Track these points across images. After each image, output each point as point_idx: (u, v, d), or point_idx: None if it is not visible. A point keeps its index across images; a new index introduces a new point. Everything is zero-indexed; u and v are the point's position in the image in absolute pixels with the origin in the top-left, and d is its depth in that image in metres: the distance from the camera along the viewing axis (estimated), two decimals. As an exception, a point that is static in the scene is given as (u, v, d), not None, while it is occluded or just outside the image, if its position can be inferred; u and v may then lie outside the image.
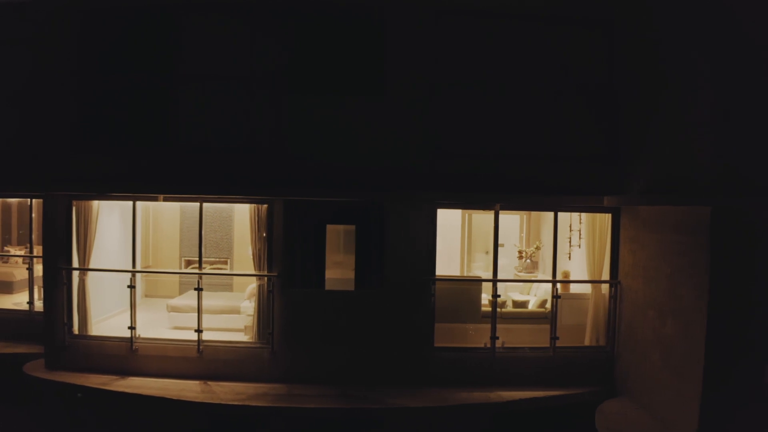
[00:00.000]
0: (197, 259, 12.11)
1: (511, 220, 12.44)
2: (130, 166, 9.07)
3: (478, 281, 9.96)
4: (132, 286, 9.26)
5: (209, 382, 9.01)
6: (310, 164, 8.94)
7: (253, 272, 9.22)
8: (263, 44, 8.95)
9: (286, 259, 8.99)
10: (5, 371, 9.96)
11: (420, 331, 9.09)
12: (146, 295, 12.41)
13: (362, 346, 9.09)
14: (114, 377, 9.10)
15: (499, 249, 9.58)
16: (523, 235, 12.62)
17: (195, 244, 12.35)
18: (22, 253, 13.94)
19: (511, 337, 9.33)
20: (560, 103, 8.97)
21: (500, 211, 9.23)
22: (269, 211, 9.02)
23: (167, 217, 12.81)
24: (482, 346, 9.19)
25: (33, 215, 11.03)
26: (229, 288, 12.06)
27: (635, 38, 8.72)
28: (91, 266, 9.42)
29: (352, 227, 9.16)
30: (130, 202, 9.48)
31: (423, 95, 8.99)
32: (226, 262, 12.63)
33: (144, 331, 9.45)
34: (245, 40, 8.98)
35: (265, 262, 9.07)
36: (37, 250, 14.30)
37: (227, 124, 9.03)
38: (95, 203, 9.40)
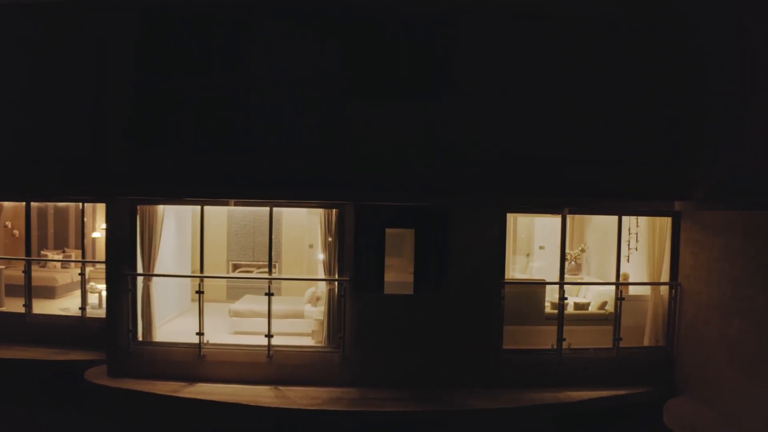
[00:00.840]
0: (245, 263, 12.15)
1: (552, 223, 12.62)
2: (199, 170, 9.00)
3: (545, 284, 10.11)
4: (200, 292, 9.19)
5: (280, 387, 9.00)
6: (379, 168, 8.97)
7: (325, 277, 9.23)
8: (331, 48, 8.96)
9: (357, 264, 9.01)
10: (62, 378, 9.79)
11: (489, 333, 9.21)
12: (194, 300, 12.26)
13: (431, 349, 9.17)
14: (182, 384, 9.01)
15: (542, 252, 9.76)
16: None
17: (242, 248, 12.37)
18: (59, 257, 13.71)
19: (571, 338, 9.51)
20: (626, 109, 9.17)
21: (541, 215, 9.37)
22: (340, 216, 9.05)
23: (212, 221, 12.71)
24: (549, 347, 9.34)
25: (85, 219, 10.83)
26: (277, 292, 12.01)
27: (699, 45, 8.97)
28: (155, 272, 9.29)
29: (419, 231, 9.20)
30: (185, 207, 9.37)
31: (491, 99, 9.09)
32: (274, 266, 12.55)
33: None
34: (313, 45, 8.97)
35: (336, 266, 9.08)
36: (76, 254, 14.15)
37: (296, 129, 9.01)
38: (160, 208, 9.30)
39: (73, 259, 13.83)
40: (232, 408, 8.46)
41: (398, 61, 9.03)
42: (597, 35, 9.10)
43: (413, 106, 9.00)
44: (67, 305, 11.86)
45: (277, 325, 9.82)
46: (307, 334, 9.82)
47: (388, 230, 9.20)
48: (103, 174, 9.10)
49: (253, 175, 8.95)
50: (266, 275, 11.69)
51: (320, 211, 9.19)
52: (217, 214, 12.55)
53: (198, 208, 9.36)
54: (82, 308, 10.64)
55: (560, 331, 9.34)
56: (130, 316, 9.20)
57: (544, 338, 9.52)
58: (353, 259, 9.05)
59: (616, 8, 9.02)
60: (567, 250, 12.36)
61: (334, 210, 9.08)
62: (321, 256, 9.47)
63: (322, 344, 9.30)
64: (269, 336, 9.06)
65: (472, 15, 9.01)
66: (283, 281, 12.29)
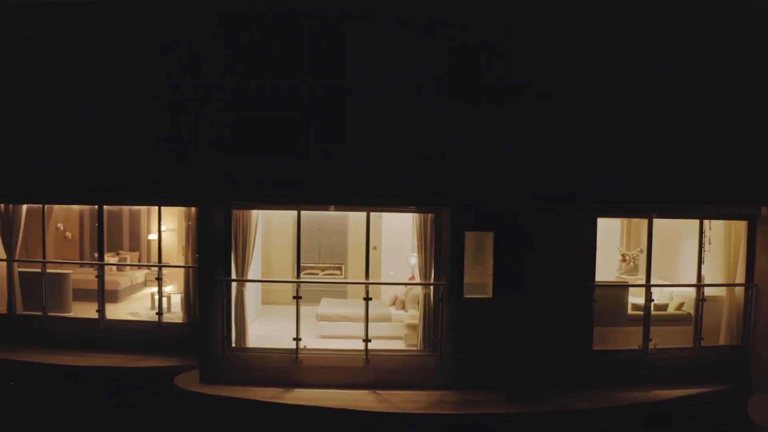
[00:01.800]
0: (310, 265, 12.13)
1: (610, 225, 12.93)
2: (293, 174, 8.98)
3: (634, 286, 10.37)
4: (298, 297, 9.15)
5: (378, 391, 9.04)
6: (474, 172, 9.08)
7: (421, 281, 9.30)
8: (428, 52, 9.01)
9: (453, 268, 9.10)
10: (146, 386, 9.67)
11: (579, 335, 9.41)
12: (264, 303, 12.21)
13: (522, 351, 9.32)
14: (279, 390, 9.00)
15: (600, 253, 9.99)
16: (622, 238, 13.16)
17: (308, 251, 12.34)
18: (115, 259, 13.42)
19: (652, 338, 9.78)
20: (705, 117, 9.46)
21: (601, 217, 9.65)
22: (436, 221, 9.13)
23: (278, 224, 12.65)
24: (636, 348, 9.61)
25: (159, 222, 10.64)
26: (342, 295, 12.03)
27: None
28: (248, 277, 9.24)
29: (498, 234, 9.33)
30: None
31: (581, 106, 9.26)
32: (339, 268, 12.57)
33: (280, 341, 9.39)
34: (412, 48, 9.01)
35: (432, 270, 9.16)
36: (131, 256, 13.87)
37: (394, 133, 9.05)
38: (254, 212, 9.22)
39: (128, 262, 13.60)
40: (338, 414, 8.47)
41: (494, 66, 9.13)
42: (677, 44, 9.34)
43: (508, 111, 9.13)
44: (131, 309, 11.66)
45: (354, 329, 9.89)
46: (397, 338, 9.87)
47: (474, 233, 9.25)
48: (196, 178, 8.98)
49: (351, 180, 8.95)
50: (340, 278, 11.74)
51: (415, 215, 9.24)
52: (284, 217, 12.47)
53: (291, 213, 9.32)
54: (159, 313, 10.51)
55: (646, 332, 9.61)
56: (224, 322, 9.11)
57: (627, 339, 9.78)
58: (449, 264, 9.13)
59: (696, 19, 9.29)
60: (624, 251, 12.73)
61: (429, 214, 9.14)
62: (413, 260, 9.52)
63: (417, 348, 9.36)
64: (366, 340, 9.09)
65: (566, 22, 9.16)
66: (348, 285, 12.28)
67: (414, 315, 9.79)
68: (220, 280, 9.08)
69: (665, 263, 11.66)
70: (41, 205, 10.88)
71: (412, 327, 9.60)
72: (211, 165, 9.05)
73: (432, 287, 9.22)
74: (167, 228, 13.87)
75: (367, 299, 9.15)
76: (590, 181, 9.27)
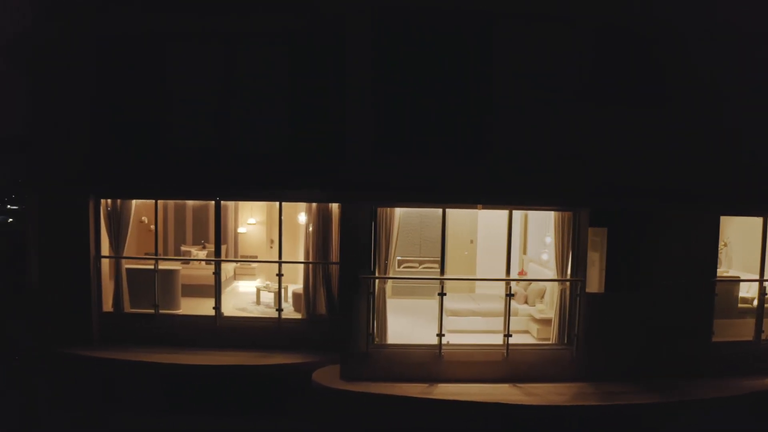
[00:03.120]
0: (411, 258, 12.30)
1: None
2: (440, 173, 9.13)
3: (752, 281, 10.80)
4: (443, 294, 9.33)
5: (519, 385, 9.33)
6: (608, 172, 9.36)
7: (557, 277, 9.58)
8: (569, 58, 9.23)
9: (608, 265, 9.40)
10: (269, 383, 9.74)
11: (701, 327, 9.84)
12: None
13: (648, 343, 9.70)
14: (423, 385, 9.19)
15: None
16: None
17: (410, 244, 12.49)
18: (203, 254, 13.33)
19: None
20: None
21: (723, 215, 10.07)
22: (574, 219, 9.40)
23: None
24: (750, 339, 10.10)
25: (281, 218, 10.61)
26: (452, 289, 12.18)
27: None
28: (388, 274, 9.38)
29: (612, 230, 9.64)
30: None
31: (704, 109, 9.62)
32: (437, 262, 12.70)
33: (406, 336, 9.62)
34: (554, 54, 9.22)
35: (568, 266, 9.45)
36: (193, 250, 13.71)
37: (534, 134, 9.26)
38: (397, 210, 9.34)
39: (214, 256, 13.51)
40: (493, 408, 8.71)
41: (627, 71, 9.40)
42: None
43: (640, 114, 9.42)
44: (234, 305, 11.64)
45: (488, 324, 10.13)
46: (523, 332, 10.13)
47: (607, 231, 9.50)
48: (342, 176, 9.07)
49: (495, 180, 9.14)
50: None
51: (554, 214, 9.49)
52: (407, 214, 12.53)
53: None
54: (279, 309, 10.54)
55: (760, 323, 10.11)
56: (368, 319, 9.24)
57: (736, 330, 10.26)
58: (585, 260, 9.43)
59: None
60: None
61: (567, 213, 9.41)
62: (545, 256, 9.79)
63: (549, 341, 9.66)
64: (507, 335, 9.36)
65: (695, 31, 9.45)
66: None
67: (542, 309, 10.08)
68: (366, 278, 9.18)
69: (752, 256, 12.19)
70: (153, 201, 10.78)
71: (542, 321, 9.89)
72: (359, 164, 9.12)
73: (568, 283, 9.49)
74: (257, 221, 13.88)
75: (509, 296, 9.40)
76: (711, 181, 9.61)
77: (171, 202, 13.31)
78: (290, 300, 11.39)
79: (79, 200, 10.56)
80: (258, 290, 11.89)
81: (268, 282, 11.93)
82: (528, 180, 9.21)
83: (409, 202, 9.30)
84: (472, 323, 10.12)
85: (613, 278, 9.68)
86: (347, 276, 9.27)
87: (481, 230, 12.63)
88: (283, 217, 10.37)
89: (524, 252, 12.66)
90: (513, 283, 11.32)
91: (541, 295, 10.59)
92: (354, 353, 9.31)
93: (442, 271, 9.49)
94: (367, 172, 9.13)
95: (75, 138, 10.37)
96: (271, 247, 14.30)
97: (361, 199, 9.10)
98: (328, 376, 9.43)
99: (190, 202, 13.67)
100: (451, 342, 9.44)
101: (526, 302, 10.57)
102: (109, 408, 10.44)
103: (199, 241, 13.93)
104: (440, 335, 9.32)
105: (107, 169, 10.38)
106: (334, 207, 10.42)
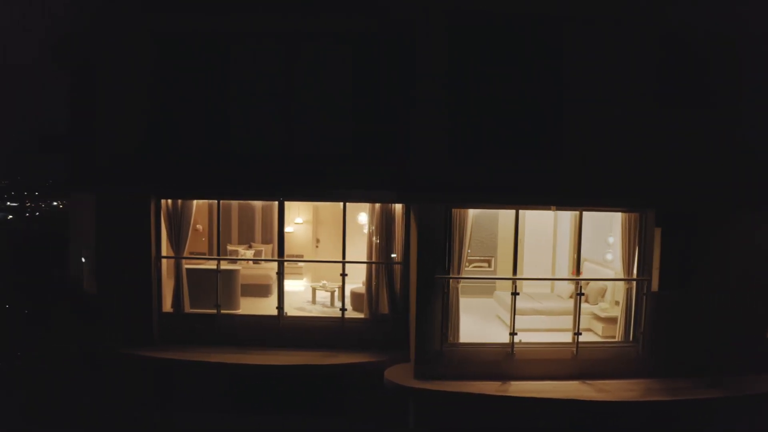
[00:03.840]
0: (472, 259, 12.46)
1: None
2: (515, 175, 9.31)
3: None
4: (516, 293, 9.52)
5: (588, 382, 9.56)
6: (674, 175, 9.61)
7: (624, 276, 9.84)
8: (638, 61, 9.46)
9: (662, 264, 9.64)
10: (337, 381, 9.89)
11: (756, 325, 10.13)
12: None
13: (708, 341, 9.97)
14: (495, 383, 9.39)
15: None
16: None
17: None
18: (249, 254, 13.35)
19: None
20: None
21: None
22: (641, 220, 9.64)
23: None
24: (803, 335, 10.45)
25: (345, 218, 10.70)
26: (490, 290, 12.43)
27: None
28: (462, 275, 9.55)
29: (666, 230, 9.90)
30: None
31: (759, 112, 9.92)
32: (488, 262, 12.94)
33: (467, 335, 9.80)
34: (623, 56, 9.44)
35: (634, 266, 9.70)
36: (265, 249, 13.76)
37: (605, 136, 9.47)
38: (470, 212, 9.51)
39: (262, 255, 13.59)
40: (569, 404, 8.94)
41: (693, 75, 9.65)
42: None
43: (704, 116, 9.68)
44: (293, 305, 11.73)
45: (550, 322, 10.35)
46: (585, 330, 10.33)
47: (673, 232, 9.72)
48: (413, 177, 9.32)
49: (568, 182, 9.36)
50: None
51: (623, 215, 9.73)
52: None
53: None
54: (343, 309, 10.67)
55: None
56: (443, 318, 9.40)
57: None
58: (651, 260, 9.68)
59: None
60: None
61: (634, 214, 9.65)
62: (609, 256, 10.02)
63: (614, 339, 9.91)
64: (577, 333, 9.57)
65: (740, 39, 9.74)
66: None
67: (605, 308, 10.32)
68: (441, 278, 9.34)
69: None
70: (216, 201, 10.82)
71: (607, 319, 10.13)
72: (433, 165, 9.27)
73: (634, 282, 9.74)
74: (304, 220, 13.95)
75: (580, 294, 9.63)
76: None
77: (215, 202, 13.31)
78: (348, 299, 11.50)
79: (140, 201, 10.56)
80: (314, 289, 11.98)
81: (324, 281, 12.02)
82: (598, 181, 9.42)
83: (485, 204, 9.49)
84: (534, 322, 10.31)
85: (670, 277, 9.93)
86: (423, 276, 9.41)
87: (526, 229, 12.84)
88: (331, 217, 10.44)
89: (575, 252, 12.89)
90: (566, 283, 11.61)
91: (602, 294, 10.83)
92: (429, 352, 9.47)
93: (515, 271, 9.67)
94: (441, 174, 9.29)
95: (134, 137, 10.34)
96: (317, 247, 14.39)
97: (439, 200, 9.26)
98: (400, 375, 9.58)
99: (234, 202, 13.70)
100: (522, 341, 9.61)
101: (586, 301, 10.80)
102: (172, 407, 10.52)
103: (245, 240, 13.96)
104: (513, 333, 9.51)
105: (168, 170, 10.40)
106: (397, 207, 10.55)
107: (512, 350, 9.54)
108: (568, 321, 10.53)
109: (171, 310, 10.94)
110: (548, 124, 9.42)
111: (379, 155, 9.91)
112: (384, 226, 10.60)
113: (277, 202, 10.89)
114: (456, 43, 9.32)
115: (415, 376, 9.48)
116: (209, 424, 10.45)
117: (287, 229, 13.69)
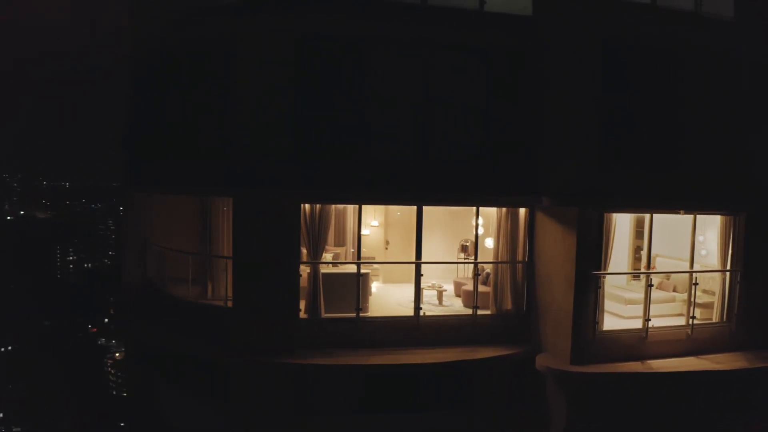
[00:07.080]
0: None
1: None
2: (642, 183, 10.80)
3: None
4: (650, 285, 10.94)
5: (700, 357, 11.28)
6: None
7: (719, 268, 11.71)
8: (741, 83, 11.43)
9: (749, 257, 11.64)
10: (495, 375, 10.74)
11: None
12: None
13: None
14: (635, 363, 10.77)
15: None
16: None
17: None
18: (329, 257, 13.41)
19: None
20: None
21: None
22: (739, 221, 11.56)
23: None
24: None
25: (478, 222, 11.42)
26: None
27: None
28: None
29: None
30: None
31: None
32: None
33: None
34: (730, 79, 11.32)
35: (728, 259, 11.61)
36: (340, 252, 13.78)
37: (714, 153, 11.27)
38: (614, 216, 10.76)
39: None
40: (701, 375, 10.59)
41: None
42: None
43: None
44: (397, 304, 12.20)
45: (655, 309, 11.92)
46: (678, 315, 11.96)
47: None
48: (560, 184, 10.63)
49: (688, 188, 11.03)
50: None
51: (720, 218, 11.58)
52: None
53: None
54: (475, 307, 11.39)
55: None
56: (596, 309, 10.56)
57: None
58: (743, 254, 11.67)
59: None
60: None
61: (729, 217, 11.55)
62: (703, 252, 11.85)
63: (711, 320, 11.74)
64: (692, 317, 11.25)
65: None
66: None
67: (699, 296, 12.09)
68: (594, 275, 10.49)
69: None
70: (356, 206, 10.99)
71: (702, 305, 11.89)
72: (583, 174, 10.48)
73: (727, 273, 11.65)
74: (379, 223, 14.29)
75: (694, 284, 11.33)
76: None
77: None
78: (460, 297, 12.24)
79: (286, 205, 10.45)
80: (421, 290, 12.44)
81: (433, 281, 12.55)
82: (706, 189, 11.18)
83: (635, 209, 10.76)
84: (640, 309, 11.76)
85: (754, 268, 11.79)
86: (580, 273, 10.44)
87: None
88: (399, 221, 10.94)
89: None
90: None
91: (686, 285, 12.54)
92: (583, 340, 10.54)
93: (649, 266, 11.08)
94: (592, 182, 10.48)
95: (279, 141, 10.32)
96: (386, 248, 14.77)
97: (598, 205, 10.39)
98: (551, 362, 10.59)
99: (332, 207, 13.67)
100: (656, 326, 11.06)
101: (674, 290, 12.51)
102: (320, 411, 10.56)
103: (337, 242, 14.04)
104: (647, 319, 10.91)
105: (313, 174, 10.45)
106: (521, 211, 11.49)
107: (646, 334, 10.93)
108: (668, 307, 12.14)
109: (306, 315, 10.89)
110: (670, 140, 10.98)
111: (513, 163, 10.87)
112: (510, 229, 11.47)
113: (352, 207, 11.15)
114: (606, 67, 10.51)
115: (571, 362, 10.51)
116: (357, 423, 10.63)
117: (363, 231, 13.91)
